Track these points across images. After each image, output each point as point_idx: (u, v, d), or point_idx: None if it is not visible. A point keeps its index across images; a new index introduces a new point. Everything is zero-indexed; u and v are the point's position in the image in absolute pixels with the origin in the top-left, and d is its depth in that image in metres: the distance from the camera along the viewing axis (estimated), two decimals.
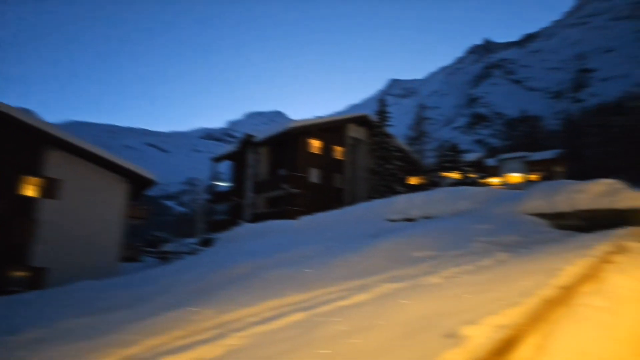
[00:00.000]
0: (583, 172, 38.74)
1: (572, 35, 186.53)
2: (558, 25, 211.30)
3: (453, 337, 2.06)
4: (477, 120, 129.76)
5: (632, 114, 52.77)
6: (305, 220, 15.94)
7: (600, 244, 5.55)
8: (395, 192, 26.12)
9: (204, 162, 31.15)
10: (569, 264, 4.07)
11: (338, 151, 29.34)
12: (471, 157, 50.70)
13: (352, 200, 26.11)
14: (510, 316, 2.58)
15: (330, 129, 29.01)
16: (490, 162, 52.29)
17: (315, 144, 27.61)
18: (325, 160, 28.01)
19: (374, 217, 13.04)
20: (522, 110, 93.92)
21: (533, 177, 46.72)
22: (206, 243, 19.32)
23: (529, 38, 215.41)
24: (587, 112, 67.65)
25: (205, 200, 34.71)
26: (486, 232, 9.14)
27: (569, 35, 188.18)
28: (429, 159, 45.35)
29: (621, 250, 5.76)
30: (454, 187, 17.59)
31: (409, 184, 34.02)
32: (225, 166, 31.78)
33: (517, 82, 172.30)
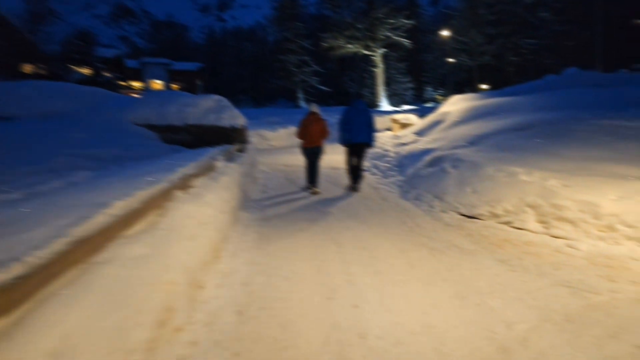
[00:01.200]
0: (218, 88, 42.30)
1: None
2: None
3: None
4: (123, 13, 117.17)
5: (259, 43, 61.49)
6: None
7: (189, 164, 5.02)
8: None
9: None
10: (125, 195, 3.07)
11: None
12: (110, 53, 45.19)
13: None
14: None
15: None
16: (132, 63, 48.48)
17: None
18: None
19: None
20: (169, 14, 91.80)
21: (175, 86, 47.13)
22: None
23: None
24: (227, 33, 73.83)
25: None
26: (81, 143, 7.38)
27: None
28: (54, 46, 36.95)
29: (207, 170, 5.51)
30: (78, 84, 14.22)
31: (20, 72, 26.70)
32: None
33: None
